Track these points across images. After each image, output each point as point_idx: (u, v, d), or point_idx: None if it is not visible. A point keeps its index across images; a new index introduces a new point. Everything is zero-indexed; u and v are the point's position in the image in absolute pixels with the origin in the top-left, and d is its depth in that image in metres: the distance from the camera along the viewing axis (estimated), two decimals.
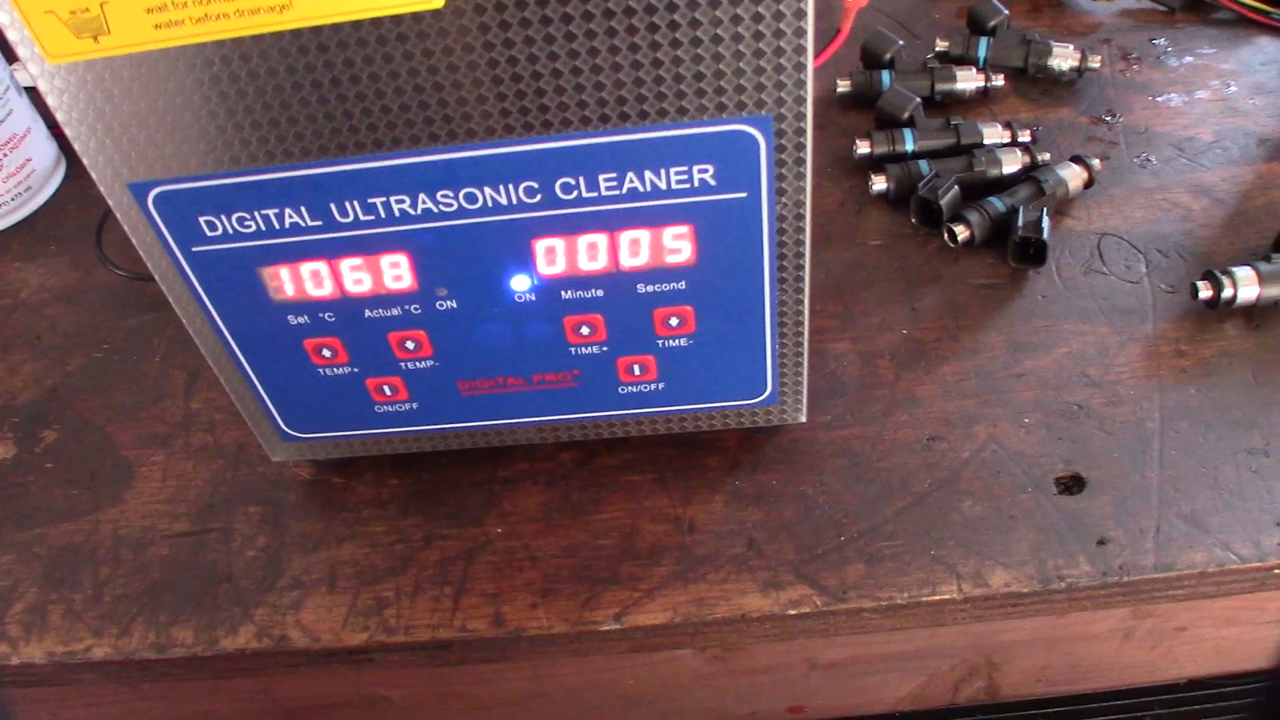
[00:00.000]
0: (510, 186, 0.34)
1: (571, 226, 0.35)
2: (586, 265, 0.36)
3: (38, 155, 0.60)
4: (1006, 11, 0.59)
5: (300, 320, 0.38)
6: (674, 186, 0.34)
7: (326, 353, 0.39)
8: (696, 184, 0.34)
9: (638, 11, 0.29)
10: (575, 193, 0.34)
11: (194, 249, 0.35)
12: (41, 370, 0.52)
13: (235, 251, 0.35)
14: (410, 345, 0.38)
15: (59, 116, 0.31)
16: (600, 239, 0.35)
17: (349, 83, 0.31)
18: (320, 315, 0.37)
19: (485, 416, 0.42)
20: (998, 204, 0.50)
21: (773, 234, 0.35)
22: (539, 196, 0.34)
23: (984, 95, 0.57)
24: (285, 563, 0.43)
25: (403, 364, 0.39)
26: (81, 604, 0.43)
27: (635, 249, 0.35)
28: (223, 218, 0.34)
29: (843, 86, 0.57)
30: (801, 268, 0.36)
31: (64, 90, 0.31)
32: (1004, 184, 0.52)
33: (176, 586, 0.43)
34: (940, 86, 0.56)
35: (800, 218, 0.35)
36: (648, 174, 0.33)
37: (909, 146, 0.53)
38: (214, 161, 0.33)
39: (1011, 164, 0.52)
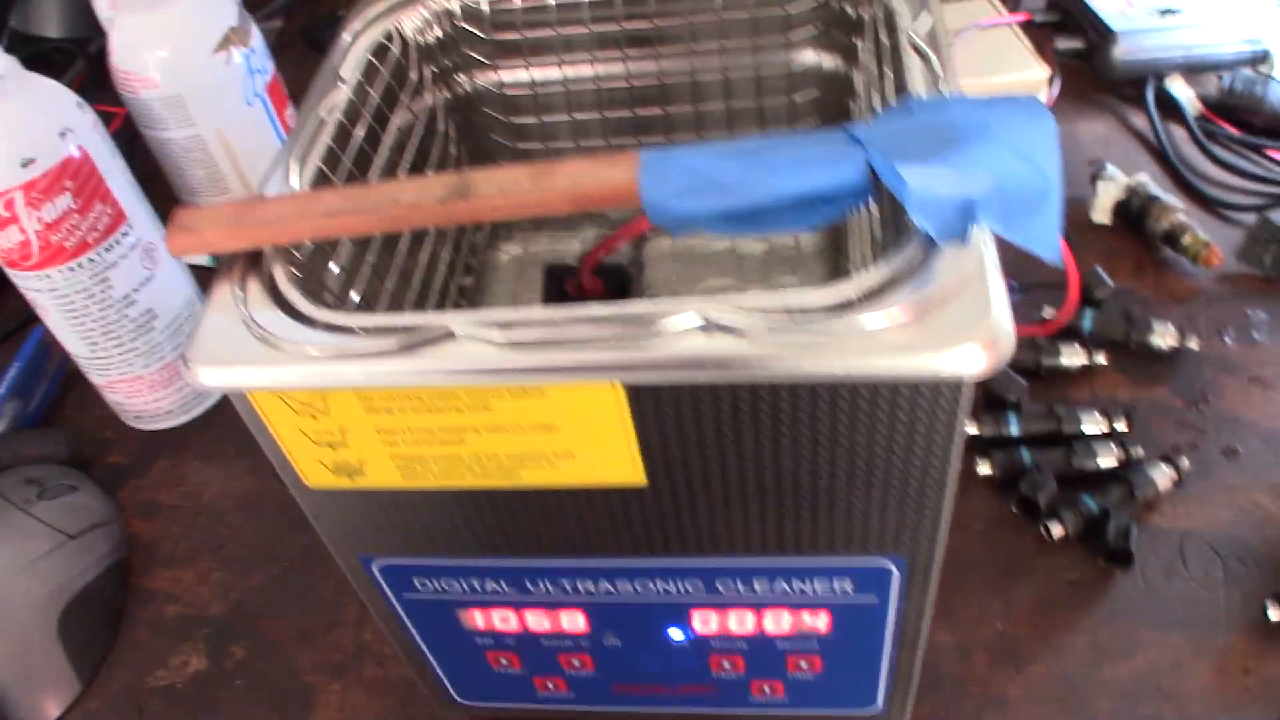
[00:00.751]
0: (678, 581, 0.40)
1: (725, 610, 0.41)
2: (735, 629, 0.42)
3: None
4: (1113, 285, 0.64)
5: (485, 642, 0.44)
6: (816, 593, 0.40)
7: (504, 662, 0.45)
8: (836, 591, 0.40)
9: (802, 497, 0.35)
10: (732, 593, 0.40)
11: (403, 594, 0.42)
12: (227, 581, 0.59)
13: (439, 597, 0.42)
14: (576, 664, 0.45)
15: (300, 500, 0.38)
16: (748, 616, 0.41)
17: (557, 521, 0.37)
18: (503, 639, 0.44)
19: (633, 706, 0.48)
20: (1091, 504, 0.55)
21: (897, 625, 0.41)
22: (700, 590, 0.40)
23: (1087, 370, 0.62)
24: None
25: (568, 674, 0.46)
26: None
27: (777, 623, 0.41)
28: (433, 582, 0.41)
29: None
30: (918, 642, 0.42)
31: (309, 492, 0.37)
32: (1099, 477, 0.57)
33: None
34: (1046, 364, 0.61)
35: (921, 614, 0.41)
36: (795, 583, 0.39)
37: (1014, 431, 0.58)
38: (431, 550, 0.39)
39: (1107, 459, 0.57)
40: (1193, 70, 0.76)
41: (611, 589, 0.40)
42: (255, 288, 0.33)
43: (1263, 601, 0.52)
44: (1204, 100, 0.76)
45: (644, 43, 0.48)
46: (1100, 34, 0.76)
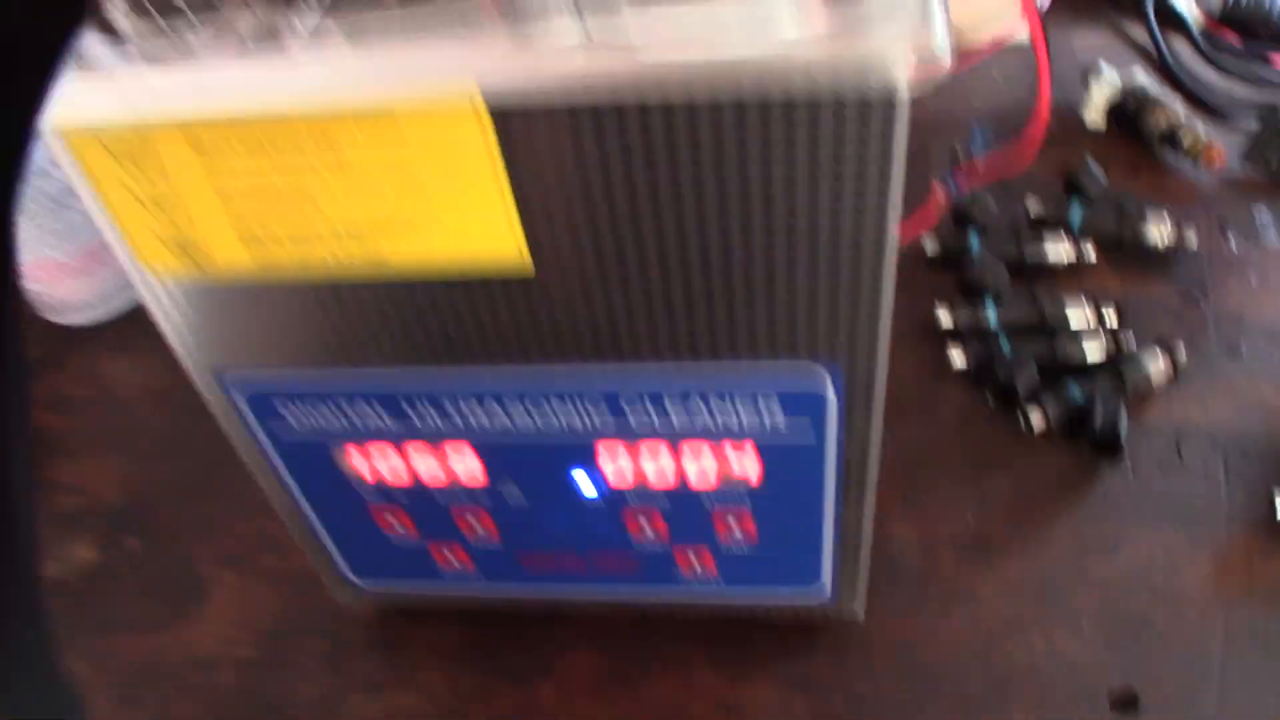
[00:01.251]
0: (581, 402, 0.34)
1: (638, 444, 0.35)
2: (651, 480, 0.37)
3: None
4: (1105, 183, 0.59)
5: (371, 494, 0.39)
6: (740, 417, 0.34)
7: (396, 525, 0.40)
8: (764, 416, 0.34)
9: (714, 270, 0.29)
10: (643, 415, 0.34)
11: (273, 429, 0.37)
12: (130, 474, 0.54)
13: (313, 435, 0.37)
14: (476, 527, 0.40)
15: (148, 303, 0.33)
16: (667, 461, 0.36)
17: (432, 318, 0.32)
18: (391, 494, 0.39)
19: (544, 585, 0.43)
20: (1076, 393, 0.50)
21: (839, 461, 0.36)
22: (608, 414, 0.35)
23: (1074, 269, 0.57)
24: (343, 705, 0.44)
25: (468, 540, 0.40)
26: None
27: (700, 471, 0.36)
28: (303, 406, 0.36)
29: (930, 246, 0.57)
30: (865, 494, 0.37)
31: (154, 286, 0.32)
32: (1085, 370, 0.51)
33: (238, 717, 0.44)
34: (1029, 257, 0.56)
35: (866, 455, 0.35)
36: (714, 403, 0.34)
37: (992, 322, 0.53)
38: (295, 359, 0.34)
39: (1095, 352, 0.51)
40: None
41: (505, 417, 0.35)
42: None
43: (1269, 496, 0.46)
44: (1207, 11, 0.71)
45: None
46: None
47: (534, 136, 0.27)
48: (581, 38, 0.25)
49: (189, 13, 0.27)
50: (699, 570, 0.41)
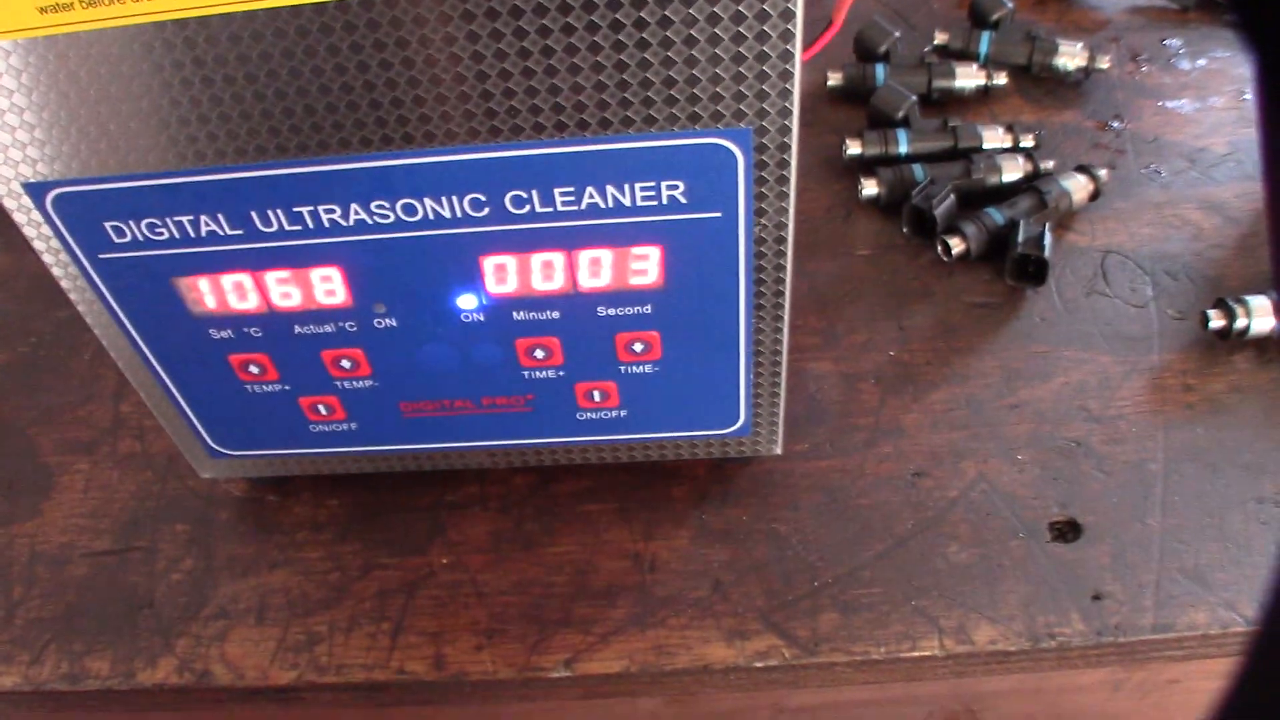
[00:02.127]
0: (454, 198, 0.30)
1: (524, 243, 0.31)
2: (541, 285, 0.32)
3: None
4: (1011, 5, 0.56)
5: (223, 335, 0.34)
6: (639, 203, 0.30)
7: (254, 369, 0.35)
8: (665, 201, 0.30)
9: (599, 6, 0.25)
10: (528, 207, 0.30)
11: (101, 256, 0.32)
12: None
13: (148, 259, 0.31)
14: (346, 364, 0.35)
15: None
16: (556, 257, 0.31)
17: (266, 78, 0.27)
18: (245, 330, 0.34)
19: (430, 439, 0.38)
20: (996, 216, 0.46)
21: (749, 257, 0.32)
22: (487, 210, 0.30)
23: (985, 94, 0.53)
24: (211, 589, 0.39)
25: (338, 383, 0.36)
26: None
27: (595, 269, 0.32)
28: (132, 224, 0.31)
29: (833, 80, 0.53)
30: (781, 293, 0.33)
31: None
32: (1004, 193, 0.48)
33: (94, 611, 0.39)
34: (938, 84, 0.52)
35: (781, 240, 0.31)
36: (610, 189, 0.30)
37: (903, 149, 0.49)
38: (119, 163, 0.29)
39: (1012, 171, 0.48)
40: None
41: (365, 216, 0.30)
42: None
43: (1201, 314, 0.43)
44: None
45: None
46: None
47: None
48: None
49: None
50: (600, 403, 0.36)
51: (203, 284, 0.32)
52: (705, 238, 0.31)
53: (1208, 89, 0.55)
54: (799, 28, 0.26)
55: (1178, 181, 0.51)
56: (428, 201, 0.30)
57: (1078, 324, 0.45)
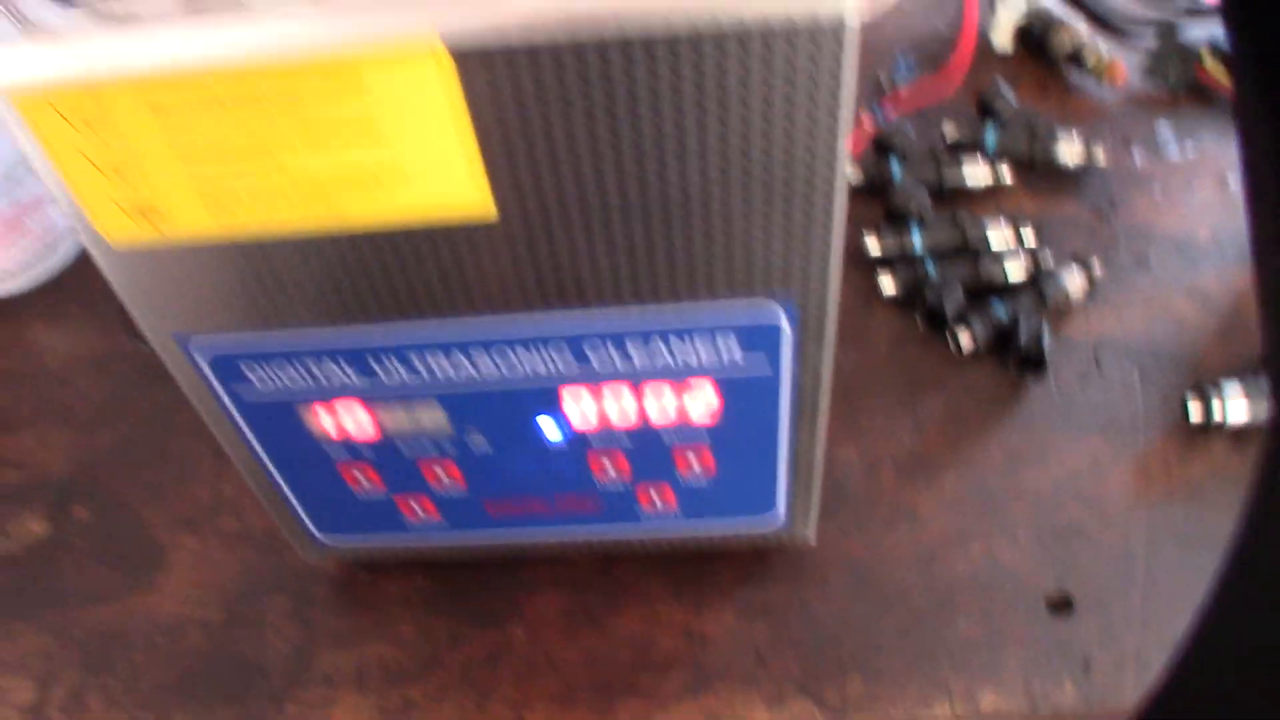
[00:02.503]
0: (542, 348, 0.35)
1: (599, 384, 0.37)
2: (613, 419, 0.38)
3: (59, 213, 0.61)
4: (1015, 104, 0.61)
5: (337, 451, 0.39)
6: (698, 356, 0.35)
7: (361, 479, 0.41)
8: (720, 354, 0.35)
9: (673, 208, 0.30)
10: (603, 355, 0.35)
11: (235, 390, 0.37)
12: (72, 444, 0.53)
13: (277, 394, 0.37)
14: (442, 475, 0.40)
15: (103, 269, 0.33)
16: (627, 399, 0.37)
17: (398, 271, 0.32)
18: (357, 448, 0.39)
19: (510, 531, 0.44)
20: (1001, 312, 0.52)
21: (794, 395, 0.37)
22: (569, 357, 0.36)
23: (992, 191, 0.59)
24: (315, 659, 0.45)
25: (434, 489, 0.41)
26: (120, 691, 0.45)
27: (659, 408, 0.37)
28: (266, 367, 0.36)
29: (853, 176, 0.59)
30: (817, 419, 0.38)
31: (111, 254, 0.32)
32: (1008, 289, 0.53)
33: (210, 678, 0.45)
34: (949, 181, 0.57)
35: (819, 379, 0.37)
36: (673, 341, 0.35)
37: (917, 248, 0.55)
38: (259, 321, 0.34)
39: (1015, 271, 0.54)
40: None
41: (470, 368, 0.36)
42: None
43: (1182, 401, 0.49)
44: None
45: None
46: None
47: (495, 78, 0.27)
48: None
49: None
50: (660, 506, 0.42)
51: (323, 414, 0.38)
52: (755, 383, 0.36)
53: (1194, 175, 0.61)
54: (840, 215, 0.31)
55: (1165, 270, 0.56)
56: (520, 351, 0.35)
57: (1073, 411, 0.51)
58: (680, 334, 0.35)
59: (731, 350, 0.35)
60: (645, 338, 0.35)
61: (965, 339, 0.52)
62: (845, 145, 0.29)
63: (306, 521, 0.44)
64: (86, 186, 0.30)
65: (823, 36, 0.26)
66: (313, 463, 0.40)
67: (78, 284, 0.61)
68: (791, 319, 0.34)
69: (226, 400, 0.37)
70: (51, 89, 0.27)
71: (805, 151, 0.29)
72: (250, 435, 0.39)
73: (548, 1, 0.26)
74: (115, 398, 0.55)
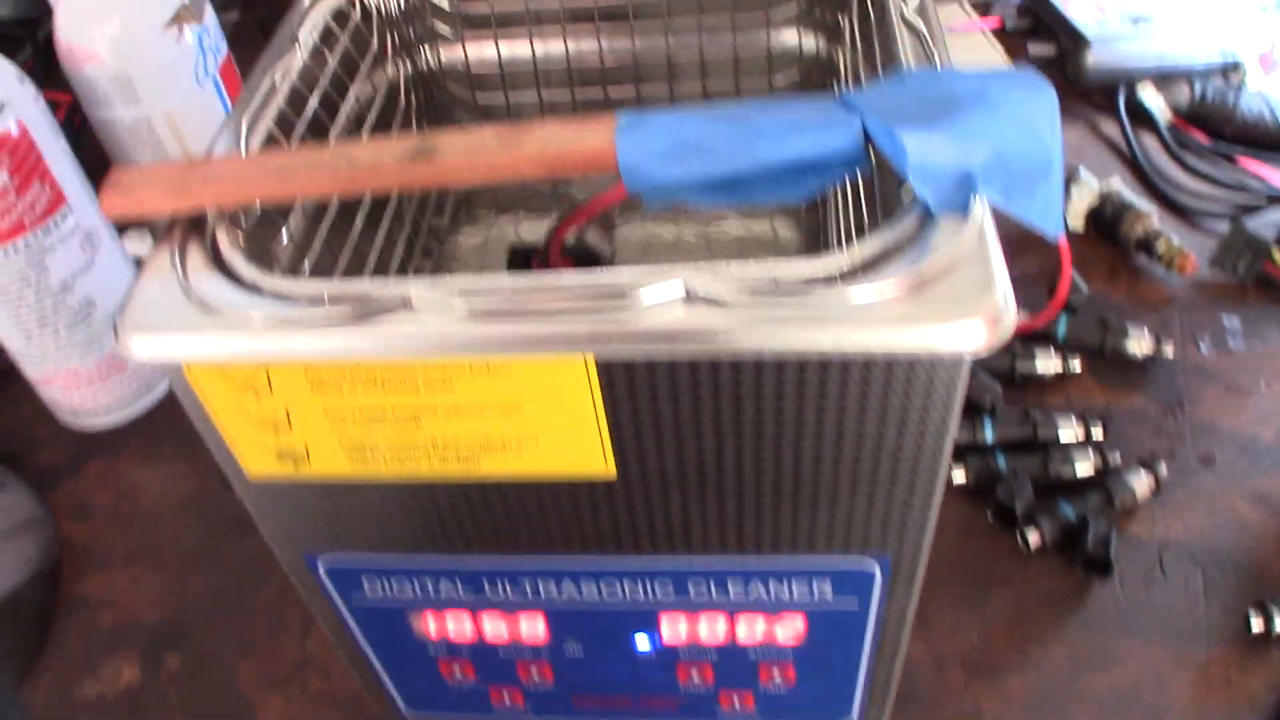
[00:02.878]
0: (647, 583, 0.37)
1: (695, 612, 0.38)
2: (704, 639, 0.40)
3: None
4: (1087, 290, 0.63)
5: (439, 650, 0.41)
6: (793, 595, 0.37)
7: (458, 672, 0.42)
8: (814, 595, 0.37)
9: (784, 484, 0.32)
10: (702, 590, 0.37)
11: (350, 595, 0.39)
12: (164, 588, 0.55)
13: (388, 600, 0.39)
14: (535, 675, 0.42)
15: (240, 493, 0.35)
16: (719, 624, 0.39)
17: (519, 514, 0.34)
18: (457, 648, 0.41)
19: (592, 719, 0.45)
20: (1069, 511, 0.53)
21: (878, 628, 0.39)
22: (670, 589, 0.37)
23: (1061, 378, 0.60)
24: None
25: (525, 685, 0.43)
26: None
27: (750, 633, 0.39)
28: (383, 580, 0.38)
29: None
30: (899, 648, 0.40)
31: (249, 484, 0.34)
32: (1076, 484, 0.55)
33: None
34: (1021, 370, 0.59)
35: (903, 618, 0.38)
36: (771, 582, 0.37)
37: (989, 438, 0.56)
38: (383, 545, 0.36)
39: (1084, 466, 0.55)
40: (1164, 78, 0.75)
41: (575, 592, 0.38)
42: (196, 253, 0.30)
43: (1244, 611, 0.50)
44: (1175, 109, 0.76)
45: (619, 16, 0.46)
46: (1073, 40, 0.75)
47: (634, 380, 0.29)
48: (681, 295, 0.28)
49: (306, 269, 0.29)
50: (739, 708, 0.44)
51: (431, 623, 0.40)
52: (843, 616, 0.38)
53: (1260, 372, 0.62)
54: (939, 493, 0.33)
55: (1230, 471, 0.57)
56: (625, 581, 0.37)
57: (1137, 616, 0.52)
58: (779, 576, 0.36)
59: (824, 591, 0.37)
60: (745, 578, 0.37)
61: (1034, 537, 0.53)
62: (950, 447, 0.31)
63: (396, 697, 0.45)
64: (238, 434, 0.32)
65: (941, 368, 0.28)
66: (412, 654, 0.42)
67: (169, 419, 0.63)
68: (884, 570, 0.36)
69: (339, 603, 0.39)
70: (221, 360, 0.30)
71: (913, 449, 0.31)
72: (355, 629, 0.41)
73: (689, 319, 0.28)
74: (207, 543, 0.57)
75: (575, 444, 0.31)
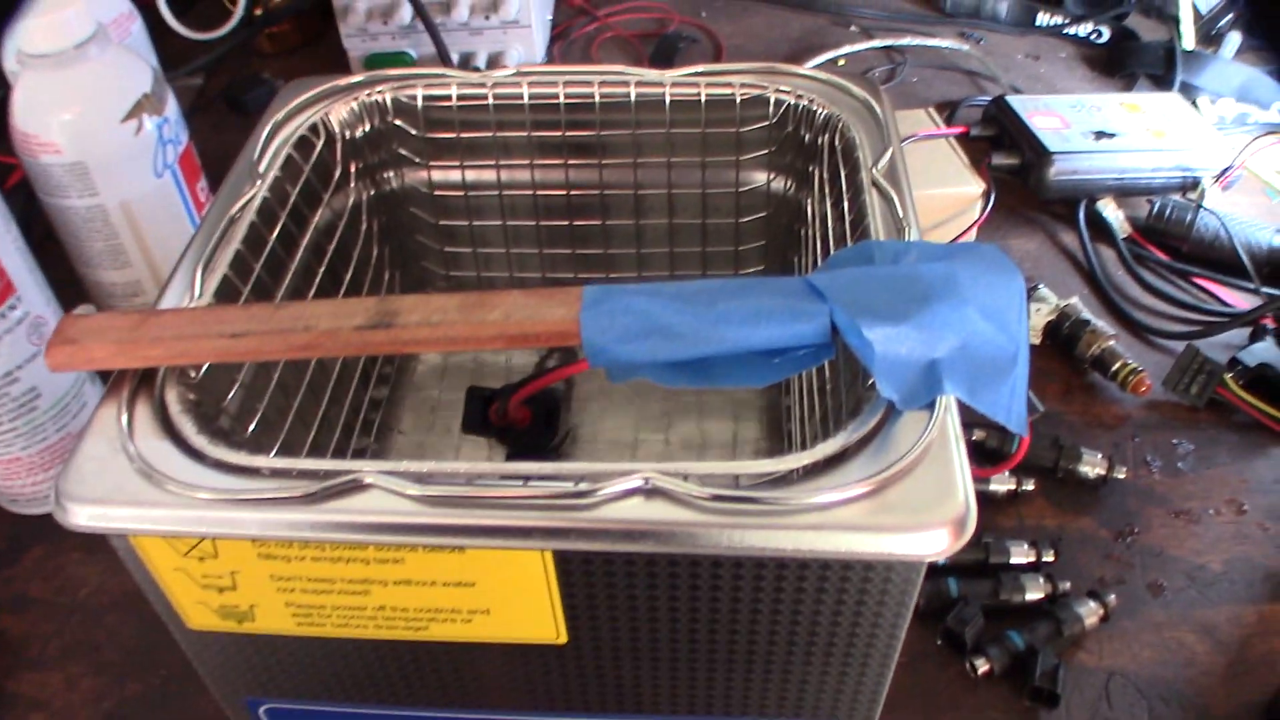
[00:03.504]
0: None
1: None
2: None
3: None
4: (1042, 409, 0.63)
5: None
6: None
7: None
8: None
9: (737, 660, 0.32)
10: None
11: None
12: (101, 689, 0.54)
13: None
14: None
15: (180, 642, 0.34)
16: None
17: (467, 673, 0.34)
18: None
19: None
20: (1018, 641, 0.53)
21: None
22: None
23: (1014, 497, 0.61)
24: None
25: None
26: None
27: None
28: None
29: None
30: None
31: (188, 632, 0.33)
32: (1026, 610, 0.55)
33: None
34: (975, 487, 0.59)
35: None
36: None
37: (940, 561, 0.56)
38: (328, 696, 0.36)
39: (1035, 592, 0.55)
40: (1125, 193, 0.76)
41: None
42: (144, 413, 0.30)
43: None
44: (1134, 223, 0.77)
45: (586, 151, 0.46)
46: (1036, 153, 0.76)
47: (592, 573, 0.29)
48: (642, 491, 0.28)
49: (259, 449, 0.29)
50: None
51: None
52: None
53: (1210, 498, 0.63)
54: (892, 667, 0.33)
55: (1178, 600, 0.58)
56: None
57: None
58: None
59: None
60: None
61: (983, 666, 0.53)
62: (901, 637, 0.31)
63: None
64: (183, 594, 0.31)
65: (900, 569, 0.28)
66: None
67: None
68: None
69: None
70: (168, 530, 0.29)
71: (867, 636, 0.31)
72: None
73: (649, 516, 0.27)
74: (148, 642, 0.56)
75: (527, 615, 0.31)
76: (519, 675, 0.33)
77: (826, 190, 0.41)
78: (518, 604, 0.30)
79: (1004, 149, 0.79)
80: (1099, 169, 0.75)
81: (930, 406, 0.29)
